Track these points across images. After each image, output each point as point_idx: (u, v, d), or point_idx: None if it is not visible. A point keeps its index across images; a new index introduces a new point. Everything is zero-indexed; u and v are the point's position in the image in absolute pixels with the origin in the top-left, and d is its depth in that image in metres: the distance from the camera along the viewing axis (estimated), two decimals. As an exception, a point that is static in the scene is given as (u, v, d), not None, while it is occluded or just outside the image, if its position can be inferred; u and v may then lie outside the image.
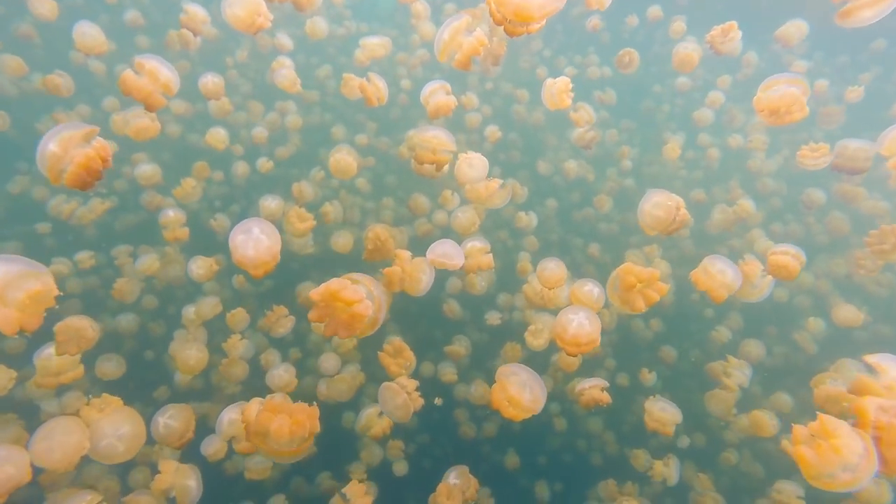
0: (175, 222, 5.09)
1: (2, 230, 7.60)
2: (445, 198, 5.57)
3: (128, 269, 5.73)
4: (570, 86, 4.04)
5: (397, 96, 9.85)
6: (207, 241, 6.93)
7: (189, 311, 5.02)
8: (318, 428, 2.32)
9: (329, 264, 8.06)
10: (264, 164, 6.43)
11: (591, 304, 3.50)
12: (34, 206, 7.21)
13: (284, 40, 6.38)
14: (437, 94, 4.25)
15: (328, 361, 4.61)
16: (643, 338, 7.87)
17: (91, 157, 2.47)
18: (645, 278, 3.15)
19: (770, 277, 3.98)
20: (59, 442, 2.33)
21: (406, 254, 3.31)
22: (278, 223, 6.33)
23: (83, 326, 2.99)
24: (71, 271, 5.94)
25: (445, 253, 3.45)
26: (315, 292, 2.41)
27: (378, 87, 4.13)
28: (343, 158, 4.99)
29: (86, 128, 2.48)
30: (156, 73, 3.39)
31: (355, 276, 2.65)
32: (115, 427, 2.59)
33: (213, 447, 3.51)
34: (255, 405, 2.47)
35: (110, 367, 4.95)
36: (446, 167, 4.52)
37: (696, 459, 6.70)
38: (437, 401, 5.42)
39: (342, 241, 5.74)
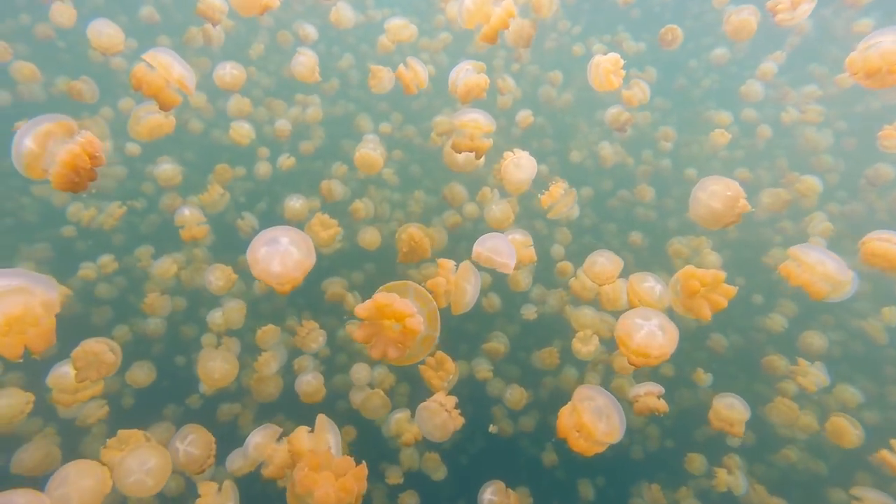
0: (191, 221, 4.82)
1: (34, 234, 7.52)
2: (485, 196, 5.17)
3: (155, 277, 5.53)
4: (621, 63, 3.57)
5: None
6: (233, 239, 6.72)
7: (215, 317, 4.80)
8: (365, 488, 2.01)
9: (357, 258, 7.77)
10: (285, 161, 6.11)
11: (652, 302, 3.10)
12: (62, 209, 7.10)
13: (309, 30, 6.02)
14: (467, 73, 3.85)
15: (359, 372, 4.31)
16: (686, 328, 7.39)
17: (76, 155, 2.10)
18: (709, 282, 2.75)
19: (851, 271, 3.47)
20: (76, 487, 2.09)
21: (449, 263, 2.94)
22: (301, 223, 6.04)
23: (102, 350, 2.74)
24: (98, 276, 5.78)
25: (496, 249, 3.01)
26: (361, 308, 2.08)
27: (417, 73, 3.74)
28: (368, 154, 4.64)
29: (66, 121, 2.15)
30: (167, 66, 3.09)
31: (404, 285, 2.31)
32: (141, 462, 2.35)
33: (237, 465, 3.28)
34: (302, 435, 2.17)
35: (141, 374, 4.78)
36: (482, 159, 4.14)
37: (745, 455, 6.26)
38: (492, 429, 5.12)
39: (369, 237, 5.42)
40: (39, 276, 2.20)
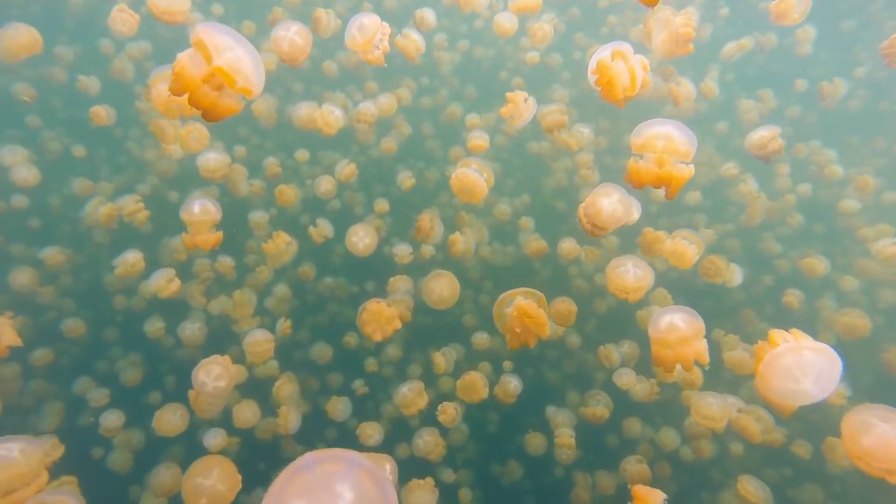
0: (203, 222, 3.21)
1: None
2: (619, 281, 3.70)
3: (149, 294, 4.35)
4: None
5: (512, 80, 8.02)
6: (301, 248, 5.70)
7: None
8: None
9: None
10: (345, 168, 4.81)
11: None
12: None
13: (427, 14, 4.85)
14: (616, 63, 2.51)
15: (418, 496, 3.08)
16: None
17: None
18: None
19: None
20: None
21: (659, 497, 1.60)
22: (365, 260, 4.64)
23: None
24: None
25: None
26: None
27: (632, 68, 2.41)
28: (469, 177, 3.33)
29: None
30: (214, 48, 1.98)
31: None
32: None
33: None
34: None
35: (172, 420, 3.84)
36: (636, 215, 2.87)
37: None
38: None
39: (441, 292, 3.74)
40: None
